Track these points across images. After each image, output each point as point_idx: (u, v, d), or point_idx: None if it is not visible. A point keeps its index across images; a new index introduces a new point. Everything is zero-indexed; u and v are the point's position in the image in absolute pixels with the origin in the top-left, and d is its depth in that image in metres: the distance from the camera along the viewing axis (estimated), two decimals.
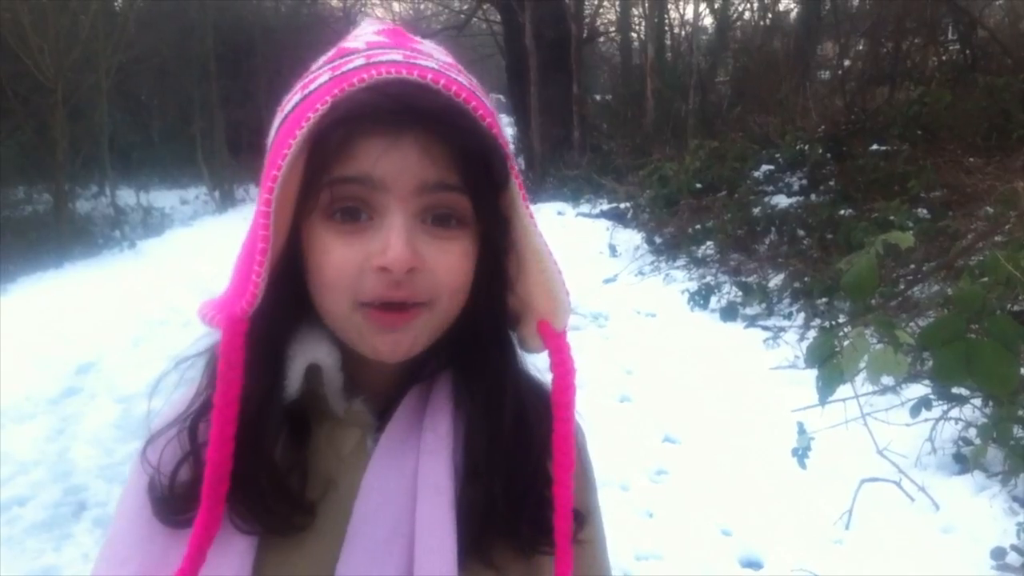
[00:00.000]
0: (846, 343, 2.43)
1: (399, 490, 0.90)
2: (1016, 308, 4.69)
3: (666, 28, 23.38)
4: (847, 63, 14.19)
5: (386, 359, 0.89)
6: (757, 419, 5.44)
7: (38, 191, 14.07)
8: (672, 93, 18.65)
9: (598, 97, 24.89)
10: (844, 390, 3.62)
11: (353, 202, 0.85)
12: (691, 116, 17.11)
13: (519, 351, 1.02)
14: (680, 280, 9.48)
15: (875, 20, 13.08)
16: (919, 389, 4.89)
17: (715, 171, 11.25)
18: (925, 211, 7.80)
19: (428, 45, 0.94)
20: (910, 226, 6.94)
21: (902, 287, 6.67)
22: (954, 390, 4.52)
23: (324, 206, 0.86)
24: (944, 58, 12.65)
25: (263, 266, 0.85)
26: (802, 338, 6.83)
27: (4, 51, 12.38)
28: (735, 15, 23.90)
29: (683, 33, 23.57)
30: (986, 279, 3.33)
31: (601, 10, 28.06)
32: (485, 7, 25.63)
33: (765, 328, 7.47)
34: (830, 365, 2.41)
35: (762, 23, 21.26)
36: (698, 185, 11.26)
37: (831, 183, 9.87)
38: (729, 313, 7.94)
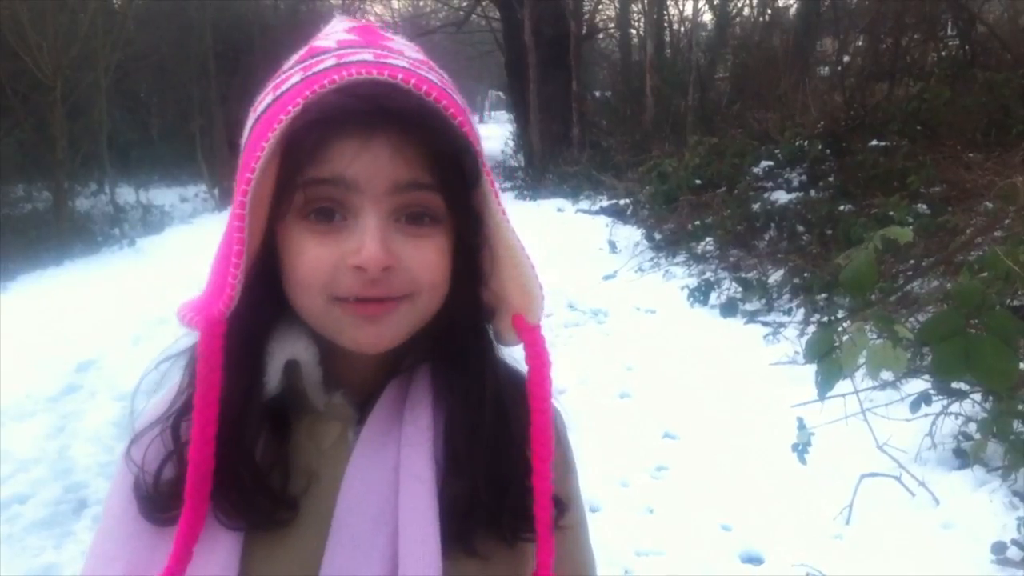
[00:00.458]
0: (845, 338, 2.43)
1: (381, 482, 0.91)
2: (1015, 303, 4.69)
3: (665, 24, 23.40)
4: (846, 59, 14.17)
5: (367, 351, 0.90)
6: (757, 415, 5.44)
7: (37, 189, 14.07)
8: (671, 90, 18.64)
9: (597, 94, 24.88)
10: (844, 385, 3.62)
11: (327, 203, 0.86)
12: (690, 112, 17.10)
13: (496, 344, 1.03)
14: (680, 276, 9.49)
15: (874, 16, 13.06)
16: (919, 384, 4.89)
17: (714, 167, 11.25)
18: (925, 207, 7.80)
19: (399, 42, 0.95)
20: (910, 222, 6.94)
21: (901, 282, 6.67)
22: (954, 385, 4.53)
23: (298, 207, 0.87)
24: (943, 54, 12.63)
25: (239, 267, 0.86)
26: (802, 334, 6.83)
27: (3, 49, 12.37)
28: (734, 11, 23.90)
29: (682, 29, 23.60)
30: (985, 274, 3.33)
31: (600, 6, 28.12)
32: (484, 4, 25.65)
33: (765, 324, 7.47)
34: (829, 360, 2.42)
35: (761, 19, 21.26)
36: (697, 181, 11.25)
37: (830, 179, 9.86)
38: (729, 309, 7.95)
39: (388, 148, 0.85)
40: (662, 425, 5.48)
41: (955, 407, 4.76)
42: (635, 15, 26.28)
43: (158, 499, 0.90)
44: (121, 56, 14.83)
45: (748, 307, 8.00)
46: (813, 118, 12.00)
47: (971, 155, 8.63)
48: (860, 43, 14.64)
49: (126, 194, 15.93)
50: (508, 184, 19.48)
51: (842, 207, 8.63)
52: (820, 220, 8.66)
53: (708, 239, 10.03)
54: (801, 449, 4.11)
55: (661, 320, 8.11)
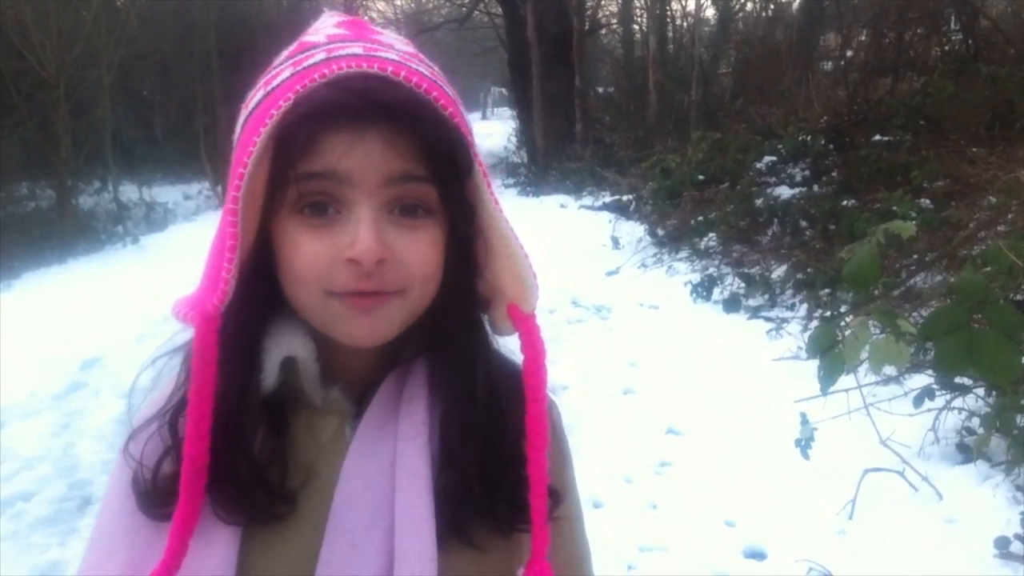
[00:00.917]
0: (847, 333, 2.43)
1: (378, 477, 0.91)
2: (1019, 298, 4.68)
3: (668, 20, 23.37)
4: (849, 54, 14.15)
5: (361, 344, 0.90)
6: (760, 410, 5.44)
7: (41, 187, 14.08)
8: (674, 85, 18.63)
9: (600, 90, 24.86)
10: (847, 381, 3.62)
11: (320, 197, 0.86)
12: (693, 108, 17.10)
13: (491, 334, 1.03)
14: (683, 272, 9.49)
15: (877, 10, 13.01)
16: (922, 379, 4.89)
17: (717, 163, 11.24)
18: (928, 201, 7.78)
19: (389, 35, 0.95)
20: (913, 216, 6.93)
21: (904, 277, 6.67)
22: (957, 380, 4.52)
23: (292, 201, 0.87)
24: (947, 48, 12.60)
25: (232, 263, 0.87)
26: (805, 329, 6.83)
27: (7, 47, 12.40)
28: (737, 6, 23.88)
29: (685, 25, 23.55)
30: (988, 269, 3.33)
31: (603, 2, 28.05)
32: (486, 0, 25.59)
33: (768, 319, 7.47)
34: (832, 355, 2.41)
35: (764, 14, 21.20)
36: (701, 177, 11.24)
37: (834, 174, 9.85)
38: (732, 305, 7.94)
39: (380, 141, 0.85)
40: (665, 421, 5.48)
41: (958, 402, 4.76)
42: (638, 11, 26.23)
43: (156, 494, 0.91)
44: (124, 54, 14.82)
45: (751, 303, 8.00)
46: (816, 113, 11.98)
47: (974, 150, 8.63)
48: (863, 38, 14.60)
49: (129, 192, 15.94)
50: (511, 180, 19.48)
51: (845, 202, 8.62)
52: (823, 215, 8.65)
53: (711, 235, 10.02)
54: (804, 444, 4.10)
55: (664, 316, 8.11)
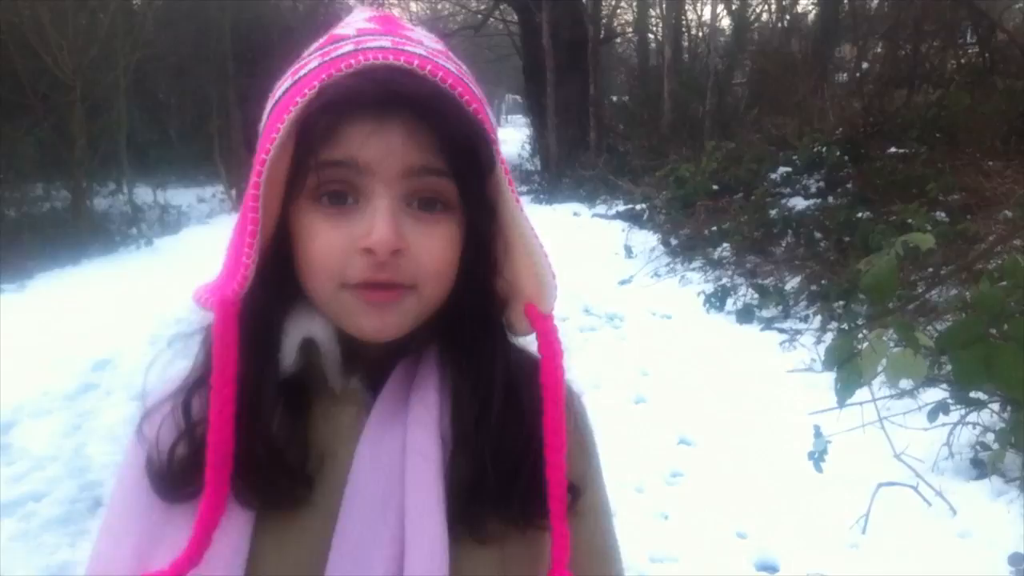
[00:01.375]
0: (864, 345, 2.42)
1: (389, 461, 0.91)
2: None
3: (683, 29, 23.37)
4: (865, 65, 14.12)
5: (372, 338, 0.90)
6: (773, 422, 5.42)
7: (56, 188, 14.08)
8: (689, 94, 18.63)
9: (615, 98, 24.87)
10: (861, 394, 3.59)
11: (340, 185, 0.87)
12: (708, 117, 17.08)
13: (508, 334, 1.02)
14: (696, 282, 9.47)
15: (893, 22, 13.00)
16: (936, 393, 4.86)
17: (732, 173, 11.24)
18: (943, 214, 7.76)
19: (419, 32, 0.95)
20: (928, 229, 6.90)
21: (920, 290, 6.64)
22: (972, 395, 4.50)
23: (311, 189, 0.87)
24: (963, 61, 12.57)
25: (253, 247, 0.87)
26: (818, 341, 6.81)
27: (24, 48, 12.43)
28: (753, 16, 23.86)
29: (700, 34, 23.55)
30: (1005, 283, 3.31)
31: (618, 11, 28.09)
32: (502, 7, 25.65)
33: (781, 331, 7.46)
34: (849, 367, 2.40)
35: (780, 25, 21.17)
36: (715, 187, 11.25)
37: (849, 186, 9.83)
38: (745, 315, 7.93)
39: (402, 132, 0.85)
40: (677, 431, 5.46)
41: (973, 417, 4.74)
42: (653, 19, 26.20)
43: (171, 476, 0.91)
44: (140, 57, 14.84)
45: (764, 314, 7.98)
46: (831, 124, 11.95)
47: (990, 163, 8.58)
48: (879, 49, 14.57)
49: (144, 194, 15.97)
50: (524, 188, 19.46)
51: (860, 214, 8.59)
52: (838, 227, 8.62)
53: (725, 245, 10.01)
54: (817, 457, 4.08)
55: (677, 326, 8.10)
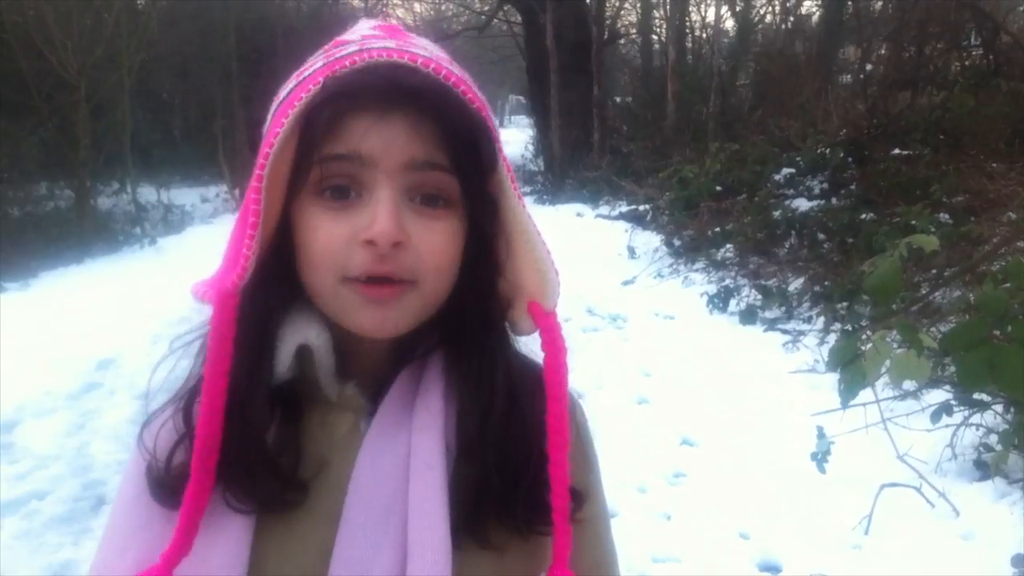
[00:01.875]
0: (867, 346, 2.41)
1: (392, 469, 0.91)
2: None
3: (687, 31, 23.36)
4: (869, 67, 14.13)
5: (372, 334, 0.90)
6: (776, 423, 5.42)
7: (60, 187, 14.11)
8: (693, 96, 18.61)
9: (618, 99, 24.86)
10: (864, 395, 3.59)
11: (342, 179, 0.87)
12: (712, 119, 17.05)
13: (511, 334, 1.02)
14: (699, 283, 9.47)
15: (898, 24, 12.99)
16: (940, 394, 4.87)
17: (735, 174, 11.23)
18: (947, 216, 7.75)
19: (423, 40, 0.96)
20: (932, 231, 6.90)
21: (924, 292, 6.63)
22: (975, 396, 4.50)
23: (314, 183, 0.88)
24: (967, 63, 12.57)
25: (254, 239, 0.87)
26: (821, 342, 6.81)
27: (28, 48, 12.45)
28: (757, 18, 23.86)
29: (704, 36, 23.55)
30: (1009, 285, 3.31)
31: (622, 12, 28.08)
32: (506, 8, 25.64)
33: (784, 332, 7.45)
34: (853, 368, 2.40)
35: (784, 26, 21.21)
36: (718, 188, 11.24)
37: (852, 187, 9.82)
38: (748, 316, 7.93)
39: (404, 125, 0.86)
40: (680, 431, 5.46)
41: (976, 418, 4.74)
42: (657, 21, 26.24)
43: (169, 482, 0.91)
44: (145, 57, 14.86)
45: (767, 315, 7.97)
46: (835, 126, 11.94)
47: (994, 165, 8.58)
48: (883, 51, 14.58)
49: (147, 194, 15.98)
50: (528, 188, 19.47)
51: (864, 215, 8.58)
52: (841, 228, 8.62)
53: (728, 246, 10.00)
54: (820, 458, 4.08)
55: (680, 326, 8.10)
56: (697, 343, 7.39)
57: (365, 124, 0.85)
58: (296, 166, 0.88)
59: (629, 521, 4.33)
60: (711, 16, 22.33)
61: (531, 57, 22.68)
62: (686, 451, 5.27)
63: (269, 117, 0.92)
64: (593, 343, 7.58)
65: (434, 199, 0.89)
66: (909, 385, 5.00)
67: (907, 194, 8.43)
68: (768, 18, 23.78)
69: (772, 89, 17.03)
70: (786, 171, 10.82)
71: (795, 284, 8.43)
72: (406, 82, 0.85)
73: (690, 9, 23.29)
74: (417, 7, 33.27)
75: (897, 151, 9.80)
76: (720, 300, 8.37)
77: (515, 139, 26.42)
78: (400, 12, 30.58)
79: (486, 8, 28.44)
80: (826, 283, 7.86)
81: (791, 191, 10.49)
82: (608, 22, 24.82)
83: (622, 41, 28.44)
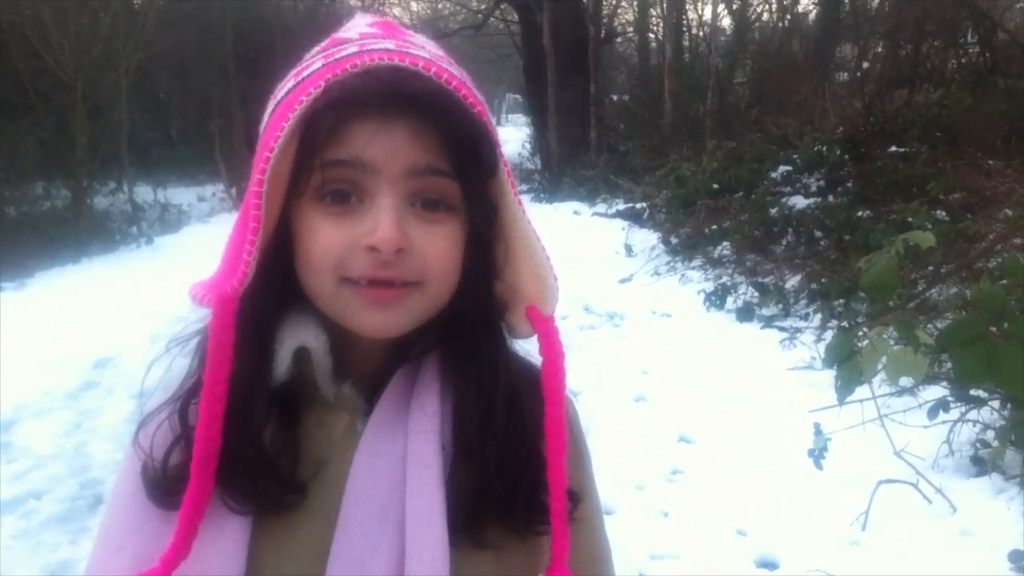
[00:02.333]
0: (864, 343, 2.42)
1: (389, 469, 0.91)
2: None
3: (684, 29, 23.33)
4: (866, 65, 14.14)
5: (374, 335, 0.90)
6: (773, 420, 5.42)
7: (57, 187, 14.07)
8: (690, 94, 18.63)
9: (615, 97, 24.86)
10: (861, 391, 3.60)
11: (344, 185, 0.87)
12: (709, 117, 17.07)
13: (508, 338, 1.02)
14: (696, 280, 9.48)
15: (895, 22, 13.01)
16: (936, 391, 4.87)
17: (732, 172, 11.25)
18: (944, 213, 7.76)
19: (420, 38, 0.96)
20: (929, 228, 6.90)
21: (921, 288, 6.64)
22: (972, 392, 4.50)
23: (315, 188, 0.87)
24: (964, 61, 12.59)
25: (254, 244, 0.87)
26: (819, 339, 6.81)
27: (25, 48, 12.43)
28: (753, 16, 23.84)
29: (701, 34, 23.51)
30: (1005, 281, 3.31)
31: (619, 11, 28.06)
32: (503, 7, 25.62)
33: (781, 329, 7.46)
34: (849, 365, 2.40)
35: (780, 24, 21.17)
36: (715, 186, 11.25)
37: (849, 185, 9.83)
38: (745, 314, 7.93)
39: (406, 132, 0.86)
40: (677, 429, 5.46)
41: (973, 414, 4.74)
42: (654, 19, 26.20)
43: (165, 483, 0.91)
44: (142, 56, 14.83)
45: (765, 312, 7.98)
46: (832, 123, 11.96)
47: (991, 162, 8.59)
48: (880, 49, 14.59)
49: (144, 193, 15.96)
50: (525, 187, 19.45)
51: (860, 213, 8.60)
52: (838, 226, 8.63)
53: (725, 243, 10.01)
54: (817, 455, 4.08)
55: (677, 324, 8.10)
56: (694, 341, 7.40)
57: (367, 130, 0.85)
58: (296, 169, 0.88)
59: (627, 518, 4.33)
60: (708, 14, 22.34)
61: (528, 56, 22.67)
62: (683, 448, 5.27)
63: (267, 116, 0.91)
64: (590, 341, 7.58)
65: (435, 203, 0.89)
66: (906, 382, 5.00)
67: (904, 191, 8.44)
68: (765, 16, 23.77)
69: (769, 87, 17.05)
70: (783, 169, 10.83)
71: (792, 281, 8.43)
72: (408, 87, 0.85)
73: (687, 7, 23.30)
74: (414, 6, 33.27)
75: (894, 148, 9.81)
76: (717, 298, 8.38)
77: (512, 138, 26.42)
78: (397, 11, 30.56)
79: (483, 7, 28.40)
80: (823, 280, 7.87)
81: (788, 189, 10.51)
82: (605, 21, 24.84)
83: (619, 40, 28.39)
